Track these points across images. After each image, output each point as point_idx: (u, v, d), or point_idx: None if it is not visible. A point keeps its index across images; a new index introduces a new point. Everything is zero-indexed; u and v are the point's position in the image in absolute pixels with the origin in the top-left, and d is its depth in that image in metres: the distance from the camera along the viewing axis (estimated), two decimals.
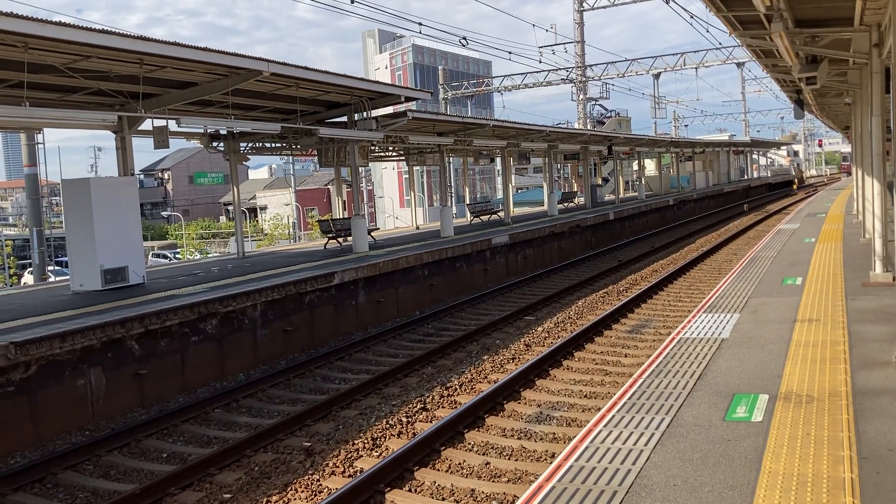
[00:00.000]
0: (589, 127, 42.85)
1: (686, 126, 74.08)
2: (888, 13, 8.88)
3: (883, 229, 10.04)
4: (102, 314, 9.94)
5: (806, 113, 33.53)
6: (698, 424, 5.06)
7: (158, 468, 7.68)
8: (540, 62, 38.88)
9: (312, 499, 6.68)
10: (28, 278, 28.18)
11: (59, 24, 9.58)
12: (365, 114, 17.30)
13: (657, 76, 45.23)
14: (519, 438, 7.71)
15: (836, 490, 3.92)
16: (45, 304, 11.56)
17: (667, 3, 27.02)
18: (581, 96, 43.03)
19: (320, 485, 6.91)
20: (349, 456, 7.50)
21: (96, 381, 9.28)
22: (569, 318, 13.74)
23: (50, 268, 25.69)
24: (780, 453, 4.46)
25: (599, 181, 42.89)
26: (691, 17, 49.38)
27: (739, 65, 47.37)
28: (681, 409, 5.41)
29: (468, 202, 30.91)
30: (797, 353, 6.69)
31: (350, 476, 7.03)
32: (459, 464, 7.12)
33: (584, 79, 42.82)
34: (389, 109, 19.03)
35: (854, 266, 11.47)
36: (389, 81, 61.51)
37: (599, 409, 7.69)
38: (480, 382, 9.90)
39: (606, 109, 58.77)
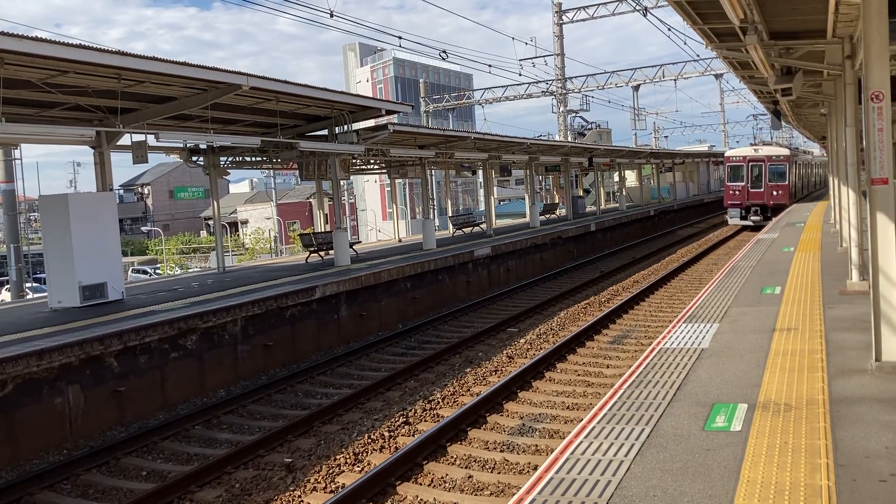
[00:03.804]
0: (570, 139, 43.08)
1: (666, 137, 74.74)
2: (860, 25, 9.03)
3: (859, 238, 10.16)
4: (80, 331, 9.83)
5: (783, 123, 33.95)
6: (678, 434, 5.08)
7: (138, 486, 7.59)
8: (520, 75, 39.00)
9: None
10: (5, 295, 27.82)
11: (35, 38, 9.52)
12: (346, 127, 17.31)
13: (637, 88, 45.74)
14: (502, 451, 7.70)
15: (814, 497, 3.94)
16: (23, 321, 11.42)
17: (644, 16, 27.34)
18: (562, 108, 43.29)
19: (301, 501, 6.87)
20: (331, 471, 7.45)
21: (74, 398, 9.16)
22: (551, 329, 13.77)
23: (28, 285, 25.39)
24: (759, 462, 4.49)
25: (581, 193, 43.13)
26: (669, 30, 50.35)
27: (718, 76, 47.96)
28: (661, 419, 5.42)
29: (450, 214, 30.95)
30: (776, 362, 6.74)
31: (331, 492, 6.98)
32: (442, 478, 7.09)
33: (564, 91, 43.10)
34: (371, 122, 19.05)
35: (832, 275, 11.59)
36: (370, 94, 61.69)
37: (581, 420, 7.70)
38: (463, 395, 9.88)
39: (587, 121, 59.15)
